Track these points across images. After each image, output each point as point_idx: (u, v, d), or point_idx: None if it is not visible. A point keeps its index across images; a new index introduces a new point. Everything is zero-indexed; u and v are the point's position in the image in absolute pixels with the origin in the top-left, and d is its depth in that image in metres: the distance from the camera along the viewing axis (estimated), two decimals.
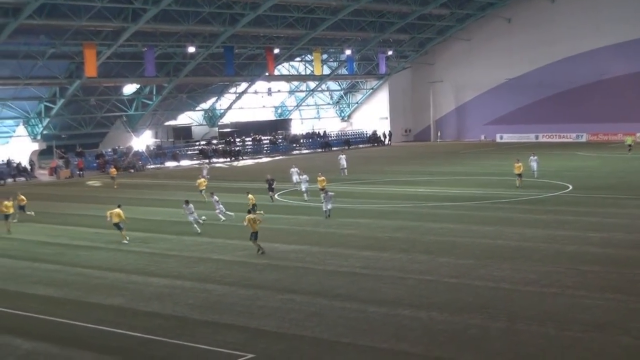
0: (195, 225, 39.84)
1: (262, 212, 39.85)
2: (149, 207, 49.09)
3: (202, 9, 78.21)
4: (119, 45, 77.96)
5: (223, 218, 42.32)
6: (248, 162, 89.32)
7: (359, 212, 44.62)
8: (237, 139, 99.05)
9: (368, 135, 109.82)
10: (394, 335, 21.60)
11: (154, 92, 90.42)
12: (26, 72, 77.41)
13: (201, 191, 52.11)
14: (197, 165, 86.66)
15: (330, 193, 42.57)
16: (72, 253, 35.92)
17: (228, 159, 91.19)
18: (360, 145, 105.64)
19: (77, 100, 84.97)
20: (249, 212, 36.11)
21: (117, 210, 38.09)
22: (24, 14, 67.16)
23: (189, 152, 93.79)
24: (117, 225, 37.87)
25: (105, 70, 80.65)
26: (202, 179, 54.79)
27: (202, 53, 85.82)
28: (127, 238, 37.59)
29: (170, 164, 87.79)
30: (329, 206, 42.04)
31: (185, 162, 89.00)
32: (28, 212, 46.49)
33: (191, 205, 40.42)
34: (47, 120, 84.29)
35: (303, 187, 50.81)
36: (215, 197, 43.29)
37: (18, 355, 21.50)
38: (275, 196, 50.79)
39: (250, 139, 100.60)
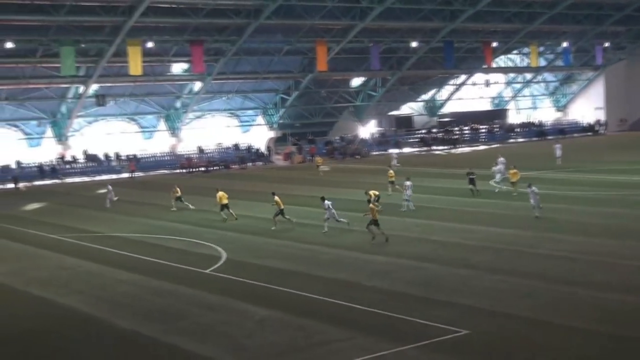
0: (325, 225, 35.89)
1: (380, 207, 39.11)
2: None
3: (424, 6, 77.99)
4: (347, 42, 79.26)
5: (325, 229, 35.89)
6: (465, 149, 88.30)
7: (572, 199, 43.01)
8: (456, 128, 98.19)
9: (583, 124, 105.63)
10: (603, 318, 20.72)
11: (379, 85, 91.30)
12: (265, 67, 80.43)
13: (391, 182, 48.60)
14: (416, 153, 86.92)
15: (533, 188, 37.68)
16: (301, 230, 36.86)
17: (447, 147, 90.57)
18: (575, 135, 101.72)
19: (309, 92, 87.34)
20: (369, 202, 35.29)
21: (277, 198, 38.01)
22: (263, 15, 69.69)
23: (410, 140, 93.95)
24: (282, 212, 37.64)
25: (334, 64, 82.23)
26: (391, 172, 50.58)
27: (423, 47, 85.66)
28: (292, 219, 37.35)
29: (392, 151, 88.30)
30: (533, 202, 37.25)
31: (406, 150, 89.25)
32: (186, 203, 46.10)
33: (327, 203, 36.28)
34: (283, 110, 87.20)
35: (497, 177, 48.56)
36: (327, 203, 36.54)
37: (255, 320, 22.35)
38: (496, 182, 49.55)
39: (468, 128, 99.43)
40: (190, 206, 45.99)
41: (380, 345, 19.43)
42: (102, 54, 69.05)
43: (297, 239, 34.73)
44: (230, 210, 41.05)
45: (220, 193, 41.58)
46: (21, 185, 66.15)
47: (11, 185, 67.84)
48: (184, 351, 20.08)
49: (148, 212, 46.01)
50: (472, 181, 45.73)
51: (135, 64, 68.55)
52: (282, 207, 37.82)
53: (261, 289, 26.10)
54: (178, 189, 47.17)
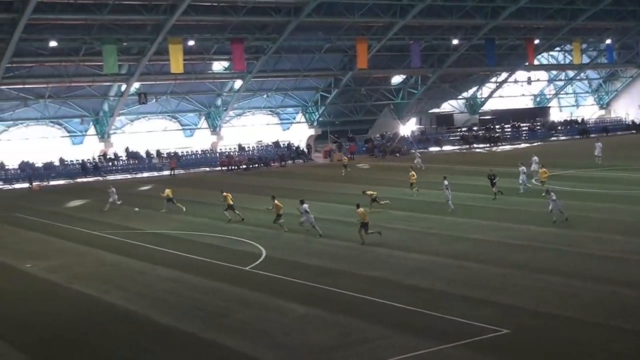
0: (305, 227, 35.78)
1: (388, 201, 41.91)
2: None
3: (465, 3, 77.56)
4: (388, 39, 79.08)
5: (306, 228, 35.79)
6: (507, 147, 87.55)
7: (613, 198, 42.48)
8: (497, 126, 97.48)
9: (627, 122, 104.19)
10: None
11: (419, 82, 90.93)
12: (305, 65, 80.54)
13: (411, 185, 47.82)
14: (457, 151, 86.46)
15: (552, 194, 35.79)
16: (340, 228, 36.65)
17: (488, 145, 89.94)
18: (619, 132, 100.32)
19: (349, 90, 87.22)
20: (358, 206, 34.31)
21: (276, 202, 37.70)
22: (304, 12, 69.80)
23: (451, 138, 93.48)
24: (279, 217, 37.13)
25: (374, 62, 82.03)
26: (412, 172, 49.05)
27: (464, 45, 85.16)
28: (286, 229, 36.60)
29: (433, 149, 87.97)
30: (556, 208, 35.18)
31: (447, 147, 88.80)
32: (179, 205, 45.73)
33: (304, 206, 35.69)
34: (323, 108, 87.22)
35: (520, 178, 46.24)
36: (305, 206, 35.83)
37: (293, 318, 22.47)
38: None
39: (509, 125, 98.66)
40: (184, 208, 45.57)
41: (419, 343, 19.41)
42: (143, 52, 69.66)
43: (337, 237, 34.64)
44: (237, 211, 41.00)
45: (226, 194, 41.73)
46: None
47: (56, 183, 69.13)
48: (223, 347, 20.22)
49: (189, 209, 46.25)
50: (493, 183, 44.39)
51: (176, 62, 69.04)
52: (281, 212, 37.24)
53: (300, 286, 26.19)
54: (168, 191, 46.92)
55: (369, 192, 41.93)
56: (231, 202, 41.28)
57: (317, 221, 35.89)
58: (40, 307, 25.50)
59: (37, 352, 20.96)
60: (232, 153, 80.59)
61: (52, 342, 21.74)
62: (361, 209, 33.95)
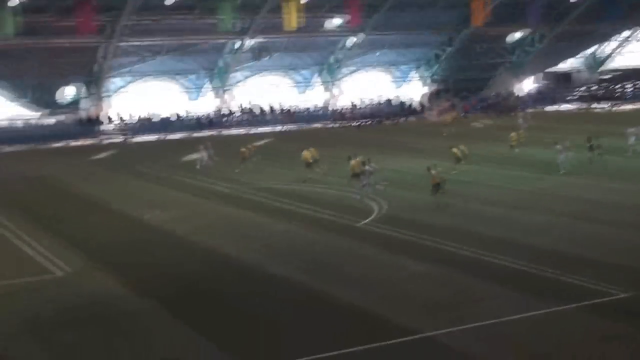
0: (368, 190, 34.73)
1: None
2: (530, 149, 48.05)
3: None
4: None
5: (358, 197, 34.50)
6: (628, 107, 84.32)
7: None
8: (618, 85, 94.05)
9: None
10: None
11: (537, 40, 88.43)
12: (420, 21, 79.38)
13: (511, 146, 47.21)
14: (575, 111, 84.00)
15: None
16: (457, 187, 35.41)
17: (608, 104, 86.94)
18: None
19: (465, 47, 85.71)
20: (429, 169, 32.87)
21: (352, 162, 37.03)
22: None
23: (570, 97, 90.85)
24: (356, 176, 36.33)
25: (491, 19, 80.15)
26: (515, 133, 48.20)
27: (586, 0, 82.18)
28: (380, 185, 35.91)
29: (550, 108, 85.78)
30: None
31: (565, 107, 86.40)
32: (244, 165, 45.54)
33: (368, 168, 35.28)
34: (438, 65, 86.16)
35: (631, 139, 44.46)
36: (370, 167, 35.46)
37: (406, 273, 22.51)
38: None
39: (631, 84, 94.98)
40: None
41: (534, 304, 19.05)
42: (259, 8, 70.16)
43: (453, 195, 33.92)
44: (316, 169, 41.16)
45: (307, 152, 41.98)
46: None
47: (175, 136, 71.04)
48: (335, 298, 20.38)
49: (302, 164, 46.54)
50: (591, 148, 41.99)
51: (290, 19, 69.22)
52: (355, 172, 36.52)
53: (414, 243, 26.06)
54: (245, 150, 47.24)
55: (459, 147, 41.27)
56: (311, 161, 41.59)
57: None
58: (162, 257, 26.12)
59: (163, 299, 21.29)
60: (345, 109, 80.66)
61: (172, 288, 22.33)
62: (433, 171, 32.86)
